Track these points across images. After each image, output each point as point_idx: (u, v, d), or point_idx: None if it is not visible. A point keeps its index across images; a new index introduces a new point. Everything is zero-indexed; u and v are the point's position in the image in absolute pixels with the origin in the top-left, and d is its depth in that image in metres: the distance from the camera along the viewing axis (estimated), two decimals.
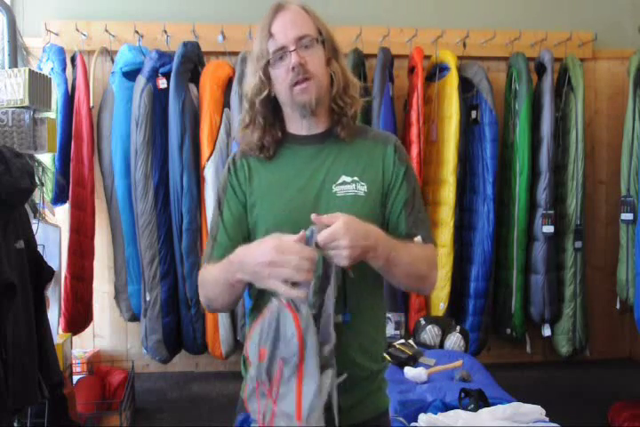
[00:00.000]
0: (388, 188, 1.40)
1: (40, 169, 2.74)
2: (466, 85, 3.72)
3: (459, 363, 2.68)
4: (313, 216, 1.20)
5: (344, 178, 1.38)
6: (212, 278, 1.35)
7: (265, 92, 1.39)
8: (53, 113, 3.32)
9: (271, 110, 1.43)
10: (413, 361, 2.74)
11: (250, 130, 1.43)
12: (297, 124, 1.43)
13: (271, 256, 1.13)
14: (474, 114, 3.72)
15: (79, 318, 3.46)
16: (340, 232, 1.16)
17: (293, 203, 1.37)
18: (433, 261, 1.40)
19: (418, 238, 1.37)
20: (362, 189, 1.37)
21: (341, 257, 1.17)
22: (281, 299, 1.14)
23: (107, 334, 3.83)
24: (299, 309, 1.13)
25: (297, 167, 1.41)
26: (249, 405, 1.17)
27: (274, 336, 1.13)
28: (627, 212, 3.50)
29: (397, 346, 2.82)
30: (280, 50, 1.35)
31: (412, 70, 3.73)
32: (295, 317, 1.12)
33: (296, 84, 1.34)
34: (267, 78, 1.39)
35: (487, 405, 2.15)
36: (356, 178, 1.38)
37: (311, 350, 1.11)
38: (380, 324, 1.46)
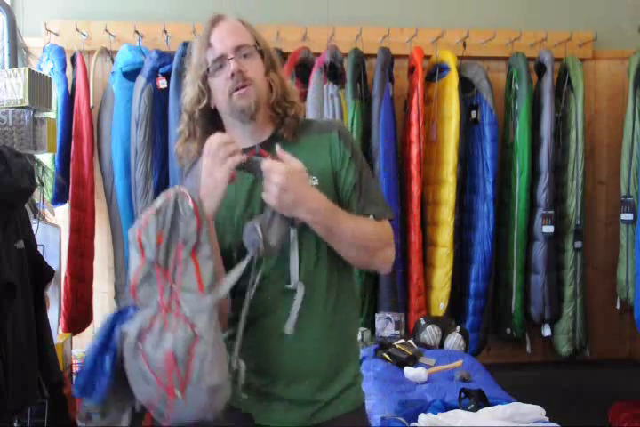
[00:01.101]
0: (337, 173, 1.41)
1: (40, 169, 2.74)
2: (466, 85, 3.72)
3: (459, 363, 2.68)
4: (277, 148, 1.29)
5: None
6: None
7: (204, 102, 1.41)
8: (53, 113, 3.31)
9: (211, 122, 1.44)
10: (413, 361, 2.74)
11: (189, 142, 1.44)
12: (240, 135, 1.42)
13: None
14: (474, 114, 3.72)
15: (79, 318, 3.45)
16: (280, 170, 1.24)
17: (246, 220, 1.35)
18: (385, 236, 1.42)
19: (370, 217, 1.40)
20: (313, 182, 1.38)
21: (269, 193, 1.25)
22: (178, 189, 1.23)
23: None
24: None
25: (246, 182, 1.39)
26: (139, 290, 1.19)
27: (172, 220, 1.19)
28: (627, 212, 3.50)
29: (397, 346, 2.82)
30: (219, 59, 1.38)
31: (412, 70, 3.73)
32: (193, 201, 1.21)
33: (235, 90, 1.36)
34: (206, 88, 1.40)
35: (487, 405, 2.16)
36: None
37: (206, 236, 1.21)
38: (347, 302, 1.45)
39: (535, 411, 2.06)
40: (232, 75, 1.36)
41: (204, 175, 1.29)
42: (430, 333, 3.05)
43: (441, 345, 3.05)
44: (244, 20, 1.48)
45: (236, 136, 1.41)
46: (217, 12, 1.47)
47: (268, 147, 1.40)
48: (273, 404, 1.41)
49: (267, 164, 1.25)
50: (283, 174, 1.23)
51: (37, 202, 2.81)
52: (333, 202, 1.36)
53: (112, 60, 3.61)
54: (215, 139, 1.29)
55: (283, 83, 1.45)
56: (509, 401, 2.21)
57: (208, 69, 1.39)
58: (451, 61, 3.65)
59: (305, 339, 1.38)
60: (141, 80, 3.42)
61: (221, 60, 1.38)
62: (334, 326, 1.41)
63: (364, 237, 1.36)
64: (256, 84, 1.38)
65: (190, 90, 1.42)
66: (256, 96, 1.38)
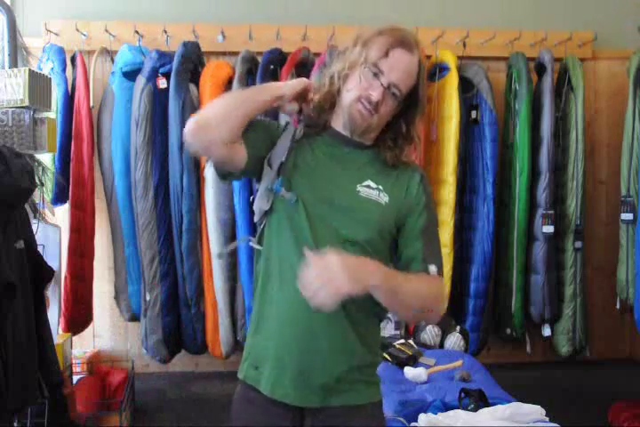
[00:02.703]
0: (407, 211, 1.44)
1: (40, 169, 2.74)
2: (466, 85, 3.72)
3: (459, 363, 2.68)
4: (306, 251, 1.24)
5: (369, 182, 1.44)
6: (230, 97, 1.46)
7: (347, 80, 1.45)
8: (53, 113, 3.31)
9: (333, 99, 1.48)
10: (413, 361, 2.74)
11: (322, 93, 1.47)
12: (342, 126, 1.49)
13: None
14: (474, 114, 3.72)
15: (79, 318, 3.45)
16: (334, 269, 1.19)
17: (316, 190, 1.43)
18: (439, 295, 1.43)
19: (432, 268, 1.40)
20: (384, 198, 1.43)
21: (331, 294, 1.18)
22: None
23: (107, 334, 3.83)
24: None
25: (330, 160, 1.47)
26: None
27: None
28: (627, 212, 3.49)
29: (397, 346, 2.82)
30: (380, 71, 1.40)
31: None
32: None
33: (362, 104, 1.40)
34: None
35: (487, 405, 2.16)
36: (380, 187, 1.44)
37: None
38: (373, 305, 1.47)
39: (535, 411, 2.06)
40: (371, 95, 1.39)
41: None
42: (430, 333, 3.05)
43: (441, 345, 3.05)
44: (423, 63, 1.46)
45: (338, 123, 1.48)
46: (401, 32, 1.44)
47: (360, 145, 1.47)
48: (286, 378, 1.41)
49: (312, 272, 1.20)
50: (339, 266, 1.20)
51: (37, 202, 2.81)
52: (388, 228, 1.42)
53: (112, 60, 3.62)
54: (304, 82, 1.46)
55: (419, 139, 1.51)
56: (509, 401, 2.21)
57: (365, 65, 1.41)
58: (451, 61, 3.65)
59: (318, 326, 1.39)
60: (141, 80, 3.42)
61: (379, 74, 1.40)
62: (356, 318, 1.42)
63: (421, 296, 1.36)
64: (380, 118, 1.43)
65: (350, 62, 1.44)
66: (370, 124, 1.43)
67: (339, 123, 1.48)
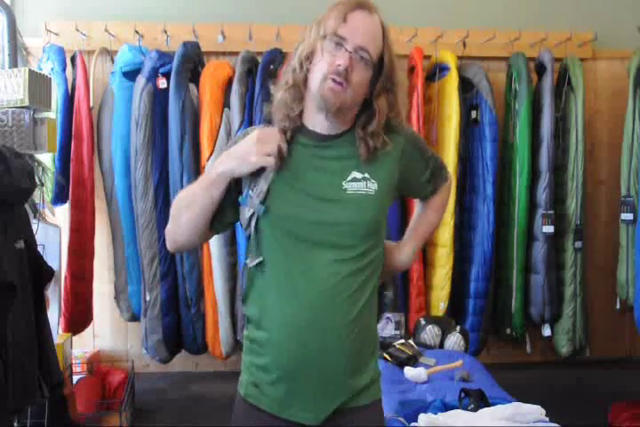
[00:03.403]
0: (405, 175, 1.45)
1: (40, 169, 2.74)
2: (466, 85, 3.72)
3: (459, 363, 2.68)
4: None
5: (355, 174, 1.36)
6: (187, 193, 1.46)
7: (311, 60, 1.34)
8: (53, 113, 3.31)
9: (303, 87, 1.36)
10: (413, 361, 2.74)
11: (289, 96, 1.36)
12: (313, 114, 1.37)
13: (257, 138, 1.33)
14: (474, 114, 3.72)
15: (79, 318, 3.45)
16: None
17: (304, 202, 1.36)
18: (445, 203, 1.62)
19: (446, 184, 1.60)
20: (372, 186, 1.36)
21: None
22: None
23: (107, 334, 3.83)
24: None
25: (310, 165, 1.37)
26: None
27: None
28: (627, 212, 3.50)
29: (397, 346, 2.82)
30: (342, 39, 1.30)
31: (411, 70, 3.73)
32: None
33: (333, 80, 1.29)
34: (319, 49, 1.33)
35: (487, 405, 2.15)
36: (366, 175, 1.36)
37: None
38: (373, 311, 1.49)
39: (535, 411, 2.06)
40: (339, 65, 1.28)
41: (243, 148, 1.35)
42: (430, 333, 3.05)
43: (441, 345, 3.04)
44: (385, 25, 1.40)
45: (311, 115, 1.38)
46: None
47: (336, 137, 1.37)
48: (296, 401, 1.38)
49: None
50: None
51: (37, 202, 2.82)
52: (384, 209, 1.42)
53: (112, 60, 3.62)
54: (273, 133, 1.34)
55: (396, 109, 1.41)
56: (509, 401, 2.21)
57: (326, 36, 1.31)
58: (451, 61, 3.65)
59: (329, 331, 1.36)
60: (141, 80, 3.42)
61: (342, 41, 1.30)
62: (360, 320, 1.40)
63: (436, 226, 1.61)
64: (353, 89, 1.31)
65: (313, 46, 1.33)
66: (344, 100, 1.31)
67: (310, 116, 1.37)
